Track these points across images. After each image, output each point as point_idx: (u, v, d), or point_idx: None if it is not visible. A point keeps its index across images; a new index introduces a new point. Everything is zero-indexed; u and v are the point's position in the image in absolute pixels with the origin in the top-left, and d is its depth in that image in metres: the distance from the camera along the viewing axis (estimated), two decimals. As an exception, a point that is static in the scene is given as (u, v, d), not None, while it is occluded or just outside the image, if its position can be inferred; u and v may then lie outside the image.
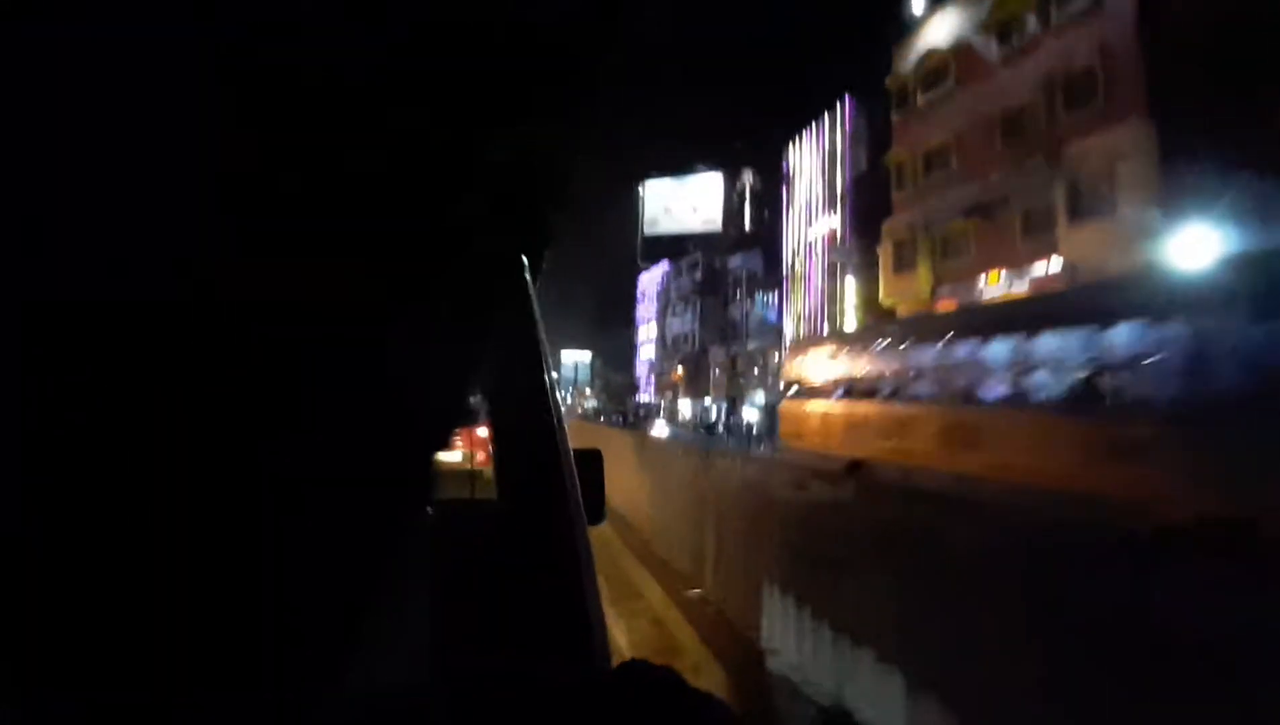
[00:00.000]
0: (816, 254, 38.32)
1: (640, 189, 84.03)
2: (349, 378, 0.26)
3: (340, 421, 0.26)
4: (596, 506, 1.47)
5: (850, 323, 34.14)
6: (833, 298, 36.30)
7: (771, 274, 44.91)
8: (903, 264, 30.87)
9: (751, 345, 44.29)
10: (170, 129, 0.22)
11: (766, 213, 77.19)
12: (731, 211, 78.57)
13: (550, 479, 1.02)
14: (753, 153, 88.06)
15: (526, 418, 1.06)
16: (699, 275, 63.71)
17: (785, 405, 26.16)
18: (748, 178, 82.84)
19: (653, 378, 72.14)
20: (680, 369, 58.07)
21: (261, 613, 0.25)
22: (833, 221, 37.16)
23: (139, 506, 0.24)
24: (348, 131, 0.25)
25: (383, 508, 0.31)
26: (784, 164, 43.09)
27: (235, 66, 0.22)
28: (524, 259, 0.97)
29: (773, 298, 43.80)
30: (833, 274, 36.56)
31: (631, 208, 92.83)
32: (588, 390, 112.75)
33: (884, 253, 31.83)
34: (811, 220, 39.28)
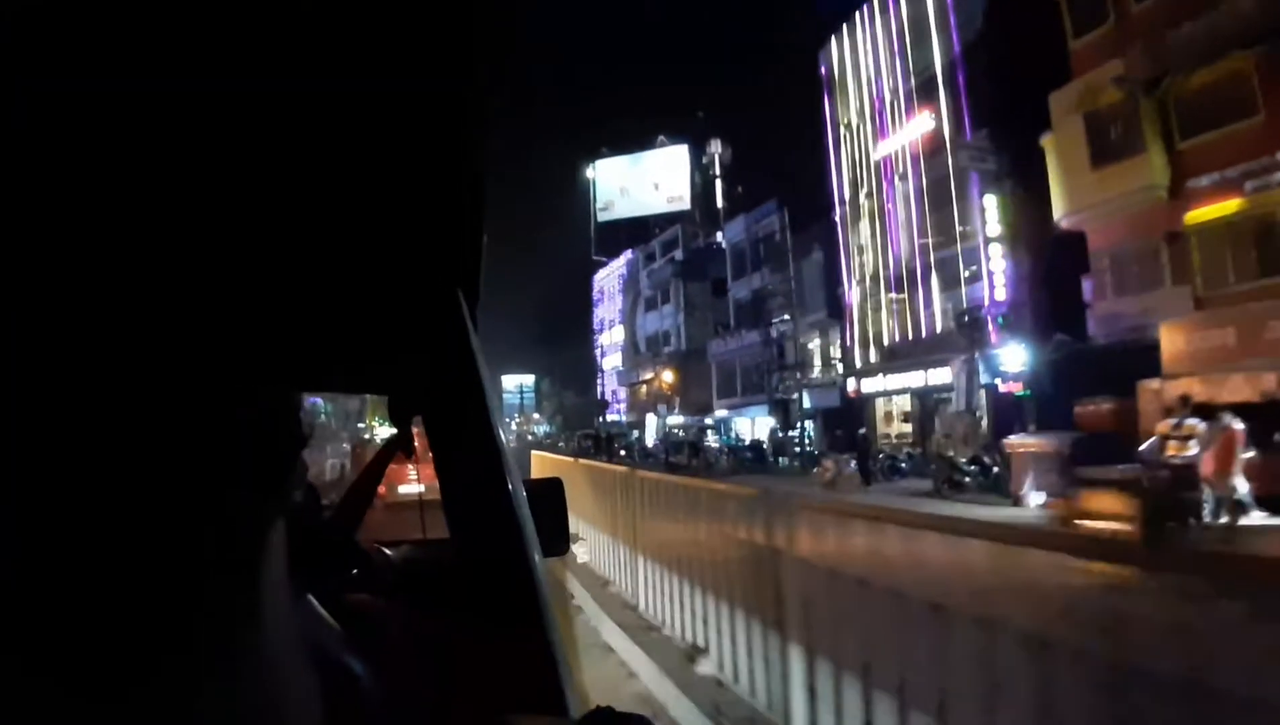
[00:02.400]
0: (902, 172, 26.01)
1: (588, 171, 71.38)
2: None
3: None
4: (560, 535, 1.50)
5: (996, 260, 21.77)
6: (946, 227, 23.91)
7: (803, 230, 32.47)
8: (1107, 149, 18.61)
9: (782, 326, 31.60)
10: None
11: (740, 188, 65.98)
12: (698, 187, 66.78)
13: (500, 515, 0.98)
14: (713, 122, 77.10)
15: (471, 453, 1.01)
16: (678, 255, 51.21)
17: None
18: (715, 148, 71.50)
19: (623, 391, 59.07)
20: (669, 375, 45.06)
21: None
22: (926, 122, 24.91)
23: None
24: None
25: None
26: (822, 69, 30.79)
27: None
28: (458, 293, 0.97)
29: (813, 258, 31.30)
30: (939, 193, 24.23)
31: (576, 198, 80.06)
32: (535, 415, 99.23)
33: (1058, 140, 19.67)
34: (885, 129, 27.00)
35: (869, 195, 27.63)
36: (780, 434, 27.37)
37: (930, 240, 24.70)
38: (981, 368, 21.97)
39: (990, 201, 21.86)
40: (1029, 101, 19.81)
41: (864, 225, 27.84)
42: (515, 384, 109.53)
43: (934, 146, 24.48)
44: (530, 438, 64.10)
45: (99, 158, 0.51)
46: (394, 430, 1.84)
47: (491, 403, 1.03)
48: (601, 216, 68.76)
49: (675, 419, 47.65)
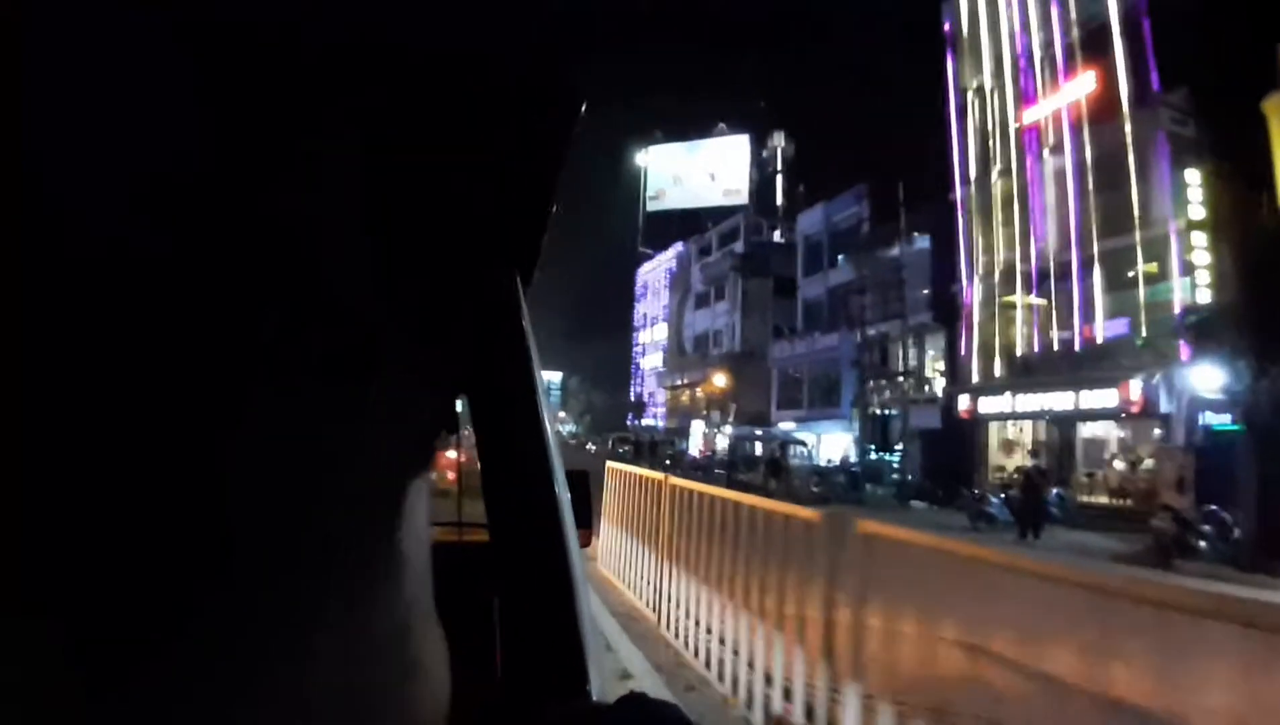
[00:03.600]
0: (1053, 144, 20.96)
1: (640, 157, 66.83)
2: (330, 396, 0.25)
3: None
4: (584, 527, 1.50)
5: (1198, 252, 16.69)
6: (1118, 210, 18.80)
7: (884, 221, 27.46)
8: None
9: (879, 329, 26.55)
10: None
11: (801, 187, 61.00)
12: (756, 182, 61.89)
13: (542, 503, 0.99)
14: (777, 115, 72.32)
15: (516, 438, 1.02)
16: (738, 248, 46.28)
17: None
18: (778, 141, 66.71)
19: (662, 393, 54.25)
20: (720, 378, 40.08)
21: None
22: (1089, 82, 19.87)
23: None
24: (316, 111, 0.24)
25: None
26: (945, 24, 25.79)
27: (190, 24, 0.21)
28: (515, 274, 0.99)
29: (913, 251, 26.26)
30: (1109, 169, 19.15)
31: (624, 185, 75.44)
32: (561, 413, 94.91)
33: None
34: (1031, 92, 21.97)
35: (1004, 173, 22.57)
36: (875, 456, 22.39)
37: (1094, 226, 19.59)
38: (1164, 390, 16.89)
39: (1192, 177, 16.75)
40: (1240, 55, 14.81)
41: (995, 210, 22.78)
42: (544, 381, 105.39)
43: (1103, 111, 19.41)
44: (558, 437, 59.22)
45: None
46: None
47: (539, 388, 1.02)
48: (651, 206, 64.26)
49: (725, 428, 42.78)
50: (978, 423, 22.83)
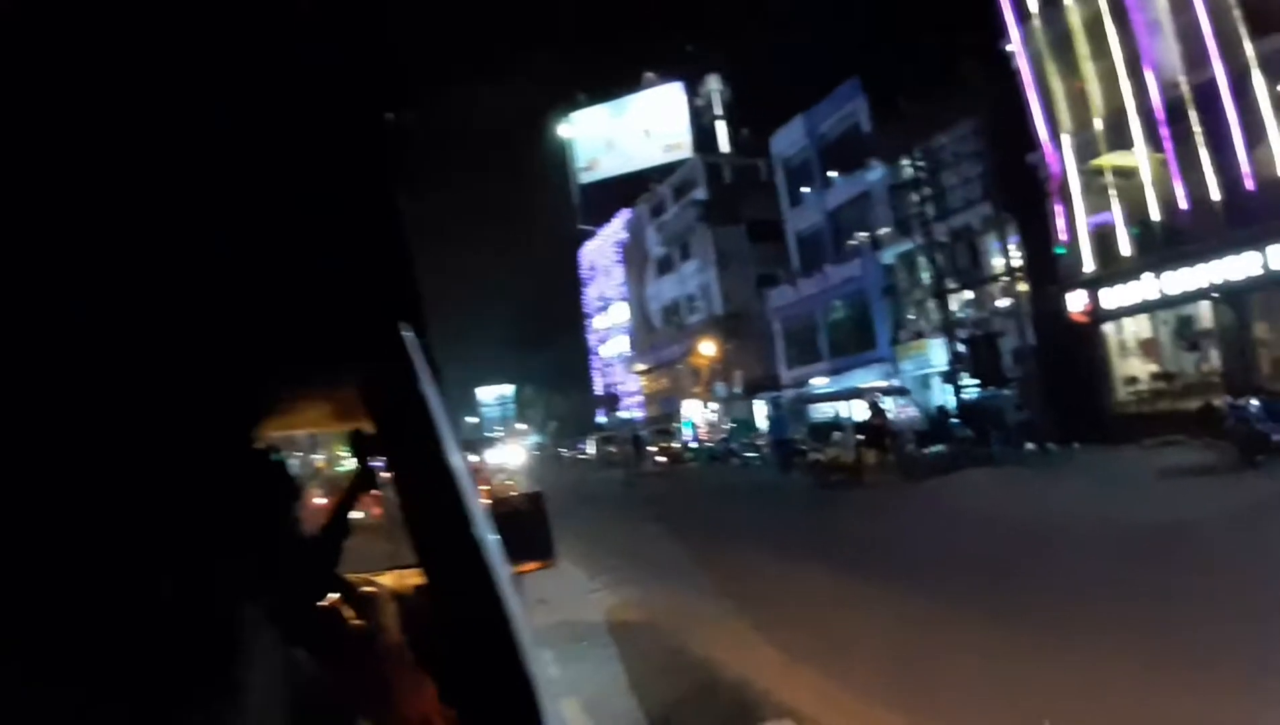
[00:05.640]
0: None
1: (563, 128, 60.12)
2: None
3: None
4: (545, 545, 1.66)
5: None
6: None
7: (888, 118, 21.67)
8: None
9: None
10: None
11: (745, 130, 55.25)
12: (697, 135, 55.91)
13: (463, 546, 0.99)
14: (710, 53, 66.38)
15: (426, 486, 1.03)
16: (700, 195, 40.13)
17: None
18: (714, 85, 60.83)
19: (636, 381, 47.83)
20: (708, 346, 33.91)
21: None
22: None
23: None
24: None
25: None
26: None
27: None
28: (397, 326, 0.99)
29: (955, 135, 20.48)
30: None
31: (550, 164, 68.36)
32: (520, 425, 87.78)
33: None
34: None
35: (1083, -3, 16.87)
36: (982, 397, 16.46)
37: (1238, 23, 14.07)
38: None
39: None
40: None
41: (1074, 44, 17.14)
42: (495, 396, 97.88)
43: None
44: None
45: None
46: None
47: (444, 433, 1.03)
48: (585, 178, 57.59)
49: (714, 406, 36.68)
50: (1094, 326, 17.27)
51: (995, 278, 17.77)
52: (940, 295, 18.33)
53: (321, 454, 16.69)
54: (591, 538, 10.10)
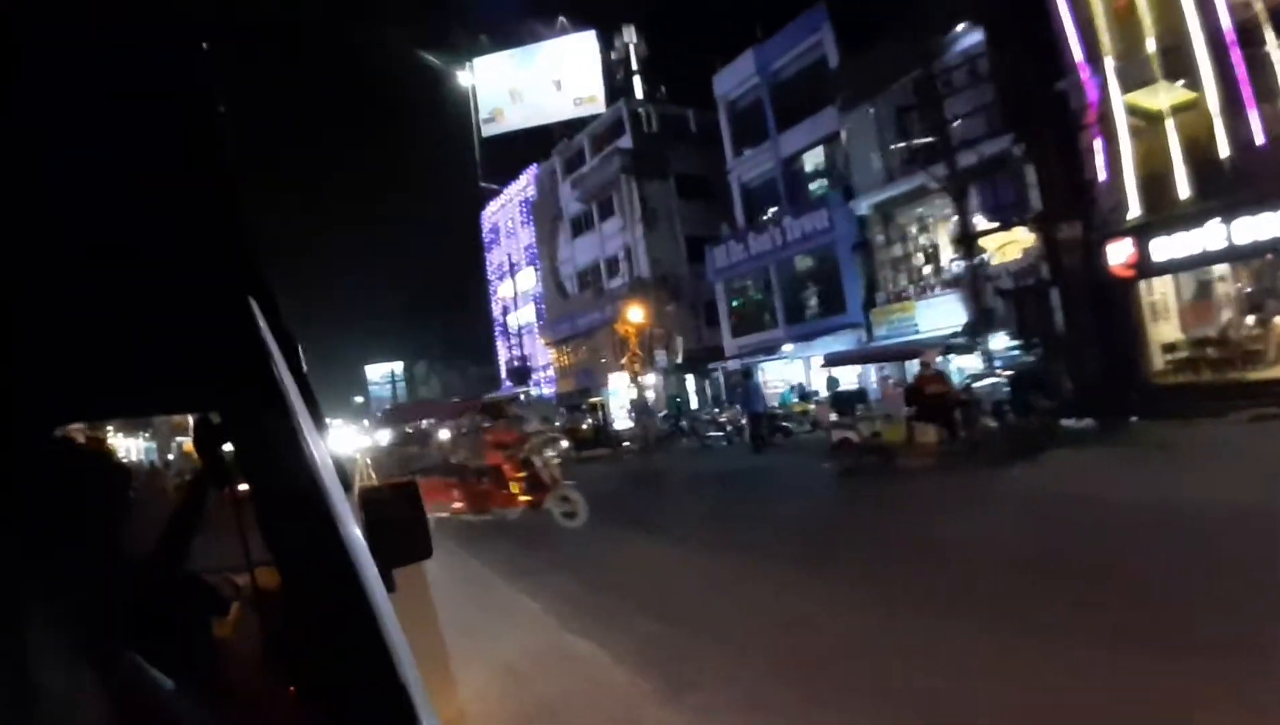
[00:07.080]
0: None
1: (464, 75, 54.40)
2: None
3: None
4: (421, 541, 1.42)
5: None
6: None
7: (856, 49, 18.50)
8: None
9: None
10: None
11: (663, 87, 51.50)
12: (610, 91, 51.57)
13: (322, 540, 0.90)
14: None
15: (280, 476, 0.92)
16: (625, 144, 36.11)
17: None
18: (629, 37, 56.54)
19: (550, 353, 43.40)
20: (636, 313, 30.10)
21: None
22: None
23: None
24: None
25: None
26: None
27: None
28: (249, 300, 0.92)
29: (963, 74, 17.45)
30: None
31: (450, 116, 62.05)
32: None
33: None
34: None
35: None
36: (1021, 358, 13.51)
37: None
38: None
39: None
40: None
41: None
42: (382, 374, 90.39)
43: None
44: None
45: None
46: None
47: (299, 418, 0.94)
48: (487, 131, 52.11)
49: (649, 379, 33.05)
50: (1135, 282, 14.68)
51: (1038, 218, 14.84)
52: (965, 240, 15.27)
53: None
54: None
